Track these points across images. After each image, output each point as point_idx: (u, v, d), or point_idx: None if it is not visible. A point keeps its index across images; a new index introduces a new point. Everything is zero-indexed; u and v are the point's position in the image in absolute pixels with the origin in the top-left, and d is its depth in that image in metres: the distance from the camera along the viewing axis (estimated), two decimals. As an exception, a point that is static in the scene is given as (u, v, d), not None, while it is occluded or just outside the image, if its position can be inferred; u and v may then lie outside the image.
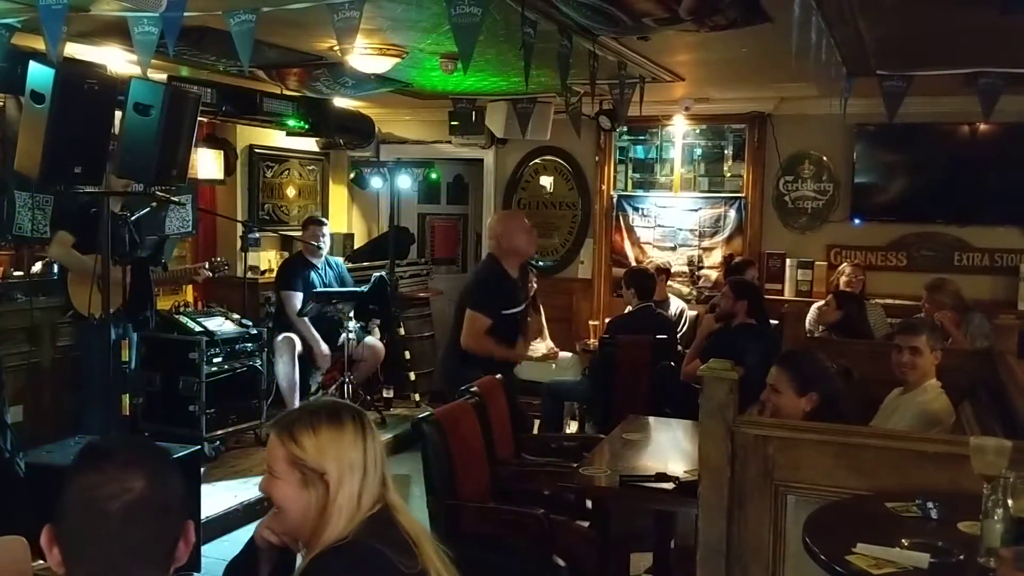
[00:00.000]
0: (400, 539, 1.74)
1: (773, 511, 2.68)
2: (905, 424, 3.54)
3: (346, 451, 1.78)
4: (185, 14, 3.56)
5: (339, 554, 1.69)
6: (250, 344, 5.98)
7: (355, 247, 8.41)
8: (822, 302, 6.00)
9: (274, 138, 7.48)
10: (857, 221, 7.02)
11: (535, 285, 6.90)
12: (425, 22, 4.47)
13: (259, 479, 5.74)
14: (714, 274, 7.46)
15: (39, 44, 4.05)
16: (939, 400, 3.57)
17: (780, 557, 2.69)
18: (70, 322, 5.23)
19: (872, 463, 2.59)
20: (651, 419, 4.68)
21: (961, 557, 2.07)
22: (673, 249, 7.65)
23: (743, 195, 7.40)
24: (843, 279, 6.42)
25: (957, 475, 2.37)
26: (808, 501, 2.61)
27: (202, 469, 4.83)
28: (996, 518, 2.02)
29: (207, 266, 5.98)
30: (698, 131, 7.64)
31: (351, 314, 6.54)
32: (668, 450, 4.23)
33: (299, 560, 1.87)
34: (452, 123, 7.46)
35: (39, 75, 3.94)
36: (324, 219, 7.02)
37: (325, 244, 6.71)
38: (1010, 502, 2.00)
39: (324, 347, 6.49)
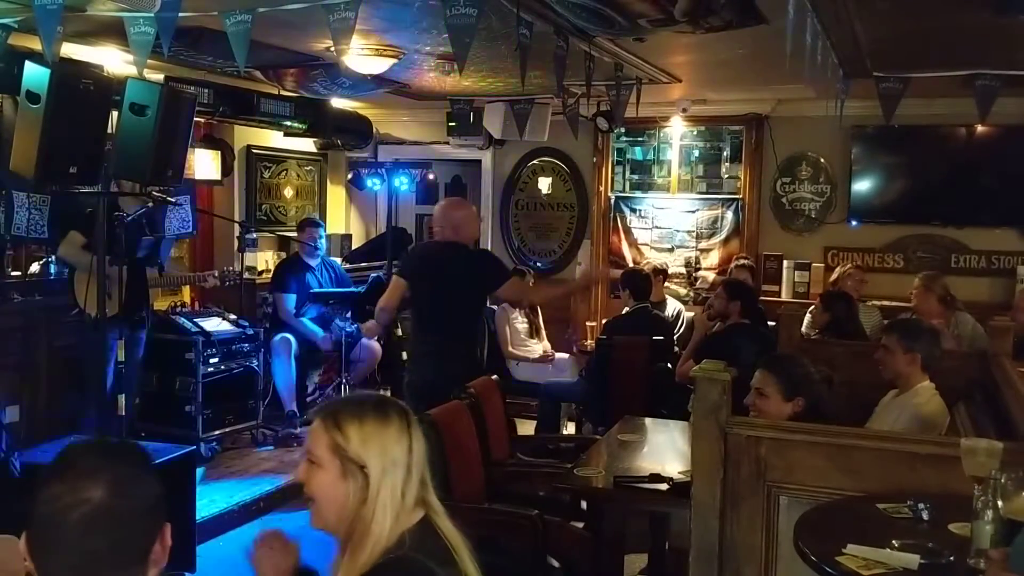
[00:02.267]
0: (443, 548, 1.72)
1: (765, 512, 2.69)
2: (900, 427, 3.54)
3: (390, 446, 1.74)
4: (181, 14, 3.57)
5: (391, 570, 1.66)
6: (247, 344, 5.99)
7: (353, 247, 8.41)
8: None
9: (272, 138, 7.48)
10: (854, 223, 7.03)
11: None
12: (421, 23, 4.46)
13: (255, 479, 5.76)
14: (711, 275, 7.46)
15: (35, 44, 4.05)
16: (932, 403, 3.56)
17: (773, 558, 2.70)
18: (67, 322, 5.23)
19: (864, 464, 2.60)
20: (647, 420, 4.67)
21: (951, 558, 2.07)
22: (670, 250, 7.66)
23: (740, 197, 7.41)
24: (849, 283, 6.34)
25: (948, 477, 2.37)
26: (800, 502, 2.61)
27: (198, 469, 4.83)
28: (986, 519, 2.02)
29: (216, 275, 5.99)
30: (695, 133, 7.65)
31: (348, 315, 6.54)
32: (664, 451, 4.23)
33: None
34: (450, 124, 7.47)
35: (35, 75, 3.94)
36: (320, 220, 7.02)
37: (322, 245, 6.71)
38: (1000, 503, 2.00)
39: (321, 332, 6.49)
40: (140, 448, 1.48)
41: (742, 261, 6.90)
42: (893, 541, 2.14)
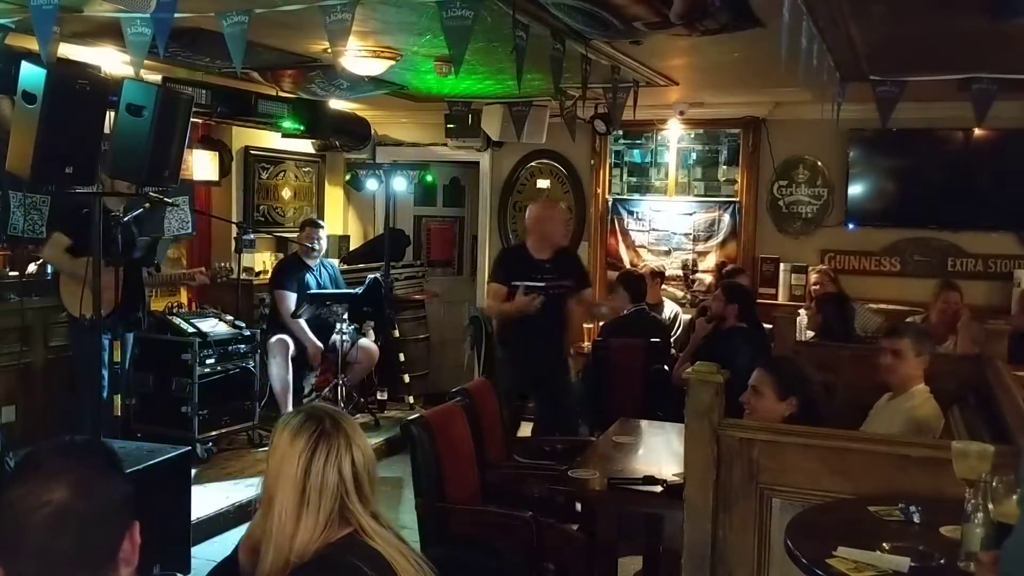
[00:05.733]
0: (373, 555, 1.72)
1: (758, 514, 2.69)
2: (894, 430, 3.54)
3: (285, 461, 1.77)
4: (177, 15, 3.57)
5: (308, 570, 1.68)
6: (243, 345, 5.98)
7: (351, 249, 8.42)
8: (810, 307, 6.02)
9: (270, 140, 7.48)
10: (851, 226, 7.02)
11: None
12: (418, 25, 4.47)
13: (251, 480, 5.76)
14: (708, 278, 7.47)
15: (32, 44, 4.05)
16: (926, 406, 3.57)
17: (765, 560, 2.70)
18: (63, 323, 5.23)
19: (856, 467, 2.60)
20: (643, 422, 4.66)
21: (941, 561, 2.08)
22: (667, 253, 7.66)
23: (737, 199, 7.41)
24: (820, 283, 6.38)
25: (940, 479, 2.38)
26: (793, 504, 2.62)
27: (194, 470, 4.83)
28: (976, 522, 2.03)
29: (204, 271, 5.98)
30: (693, 135, 7.64)
31: (345, 316, 6.55)
32: (659, 453, 4.22)
33: None
34: (448, 126, 7.46)
35: (31, 75, 3.93)
36: (321, 221, 7.03)
37: (321, 246, 6.71)
38: (991, 506, 2.00)
39: (317, 343, 6.50)
40: (106, 447, 1.48)
41: (731, 267, 6.89)
42: (884, 543, 2.15)
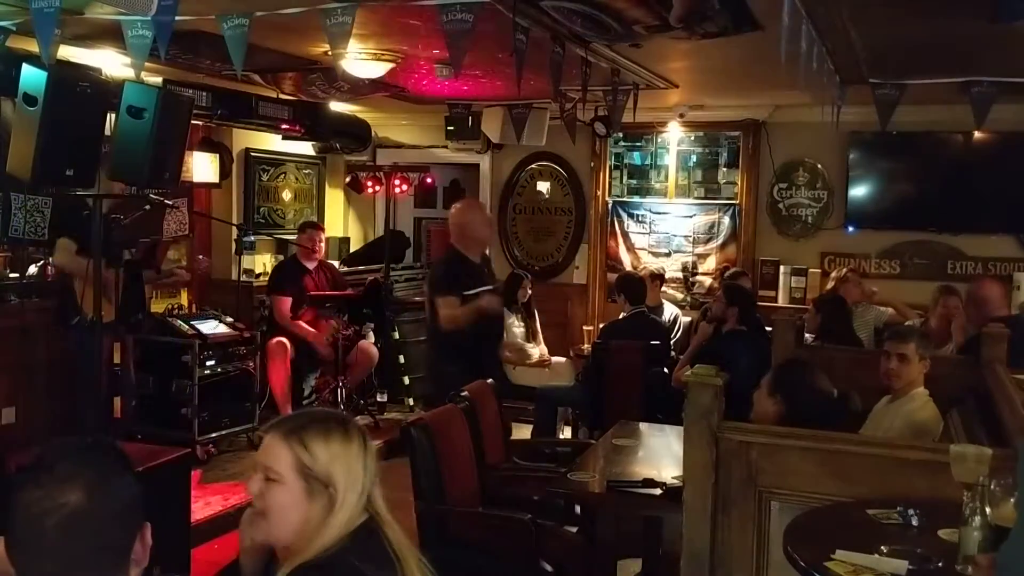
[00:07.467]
0: (382, 552, 1.73)
1: (757, 517, 2.69)
2: (893, 433, 3.54)
3: (353, 465, 1.75)
4: (178, 18, 3.57)
5: (314, 572, 1.68)
6: (243, 347, 5.98)
7: (351, 251, 8.43)
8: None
9: (270, 142, 7.49)
10: (851, 229, 7.04)
11: (530, 291, 6.92)
12: (417, 27, 4.47)
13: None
14: (708, 280, 7.48)
15: (33, 47, 4.06)
16: (926, 409, 3.57)
17: (764, 563, 2.70)
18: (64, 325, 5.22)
19: (855, 470, 2.60)
20: (643, 425, 4.67)
21: (939, 564, 2.07)
22: (668, 255, 7.67)
23: (737, 202, 7.42)
24: (851, 288, 6.26)
25: (938, 482, 2.38)
26: (791, 507, 2.62)
27: (193, 472, 4.83)
28: (974, 525, 2.03)
29: (183, 266, 5.98)
30: (693, 138, 7.66)
31: (345, 317, 6.55)
32: (659, 456, 4.22)
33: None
34: (448, 128, 7.47)
35: (32, 77, 3.95)
36: (321, 224, 7.04)
37: (320, 248, 6.72)
38: (988, 509, 2.01)
39: (318, 334, 6.49)
40: (117, 448, 1.48)
41: (734, 270, 6.89)
42: (882, 547, 2.15)
